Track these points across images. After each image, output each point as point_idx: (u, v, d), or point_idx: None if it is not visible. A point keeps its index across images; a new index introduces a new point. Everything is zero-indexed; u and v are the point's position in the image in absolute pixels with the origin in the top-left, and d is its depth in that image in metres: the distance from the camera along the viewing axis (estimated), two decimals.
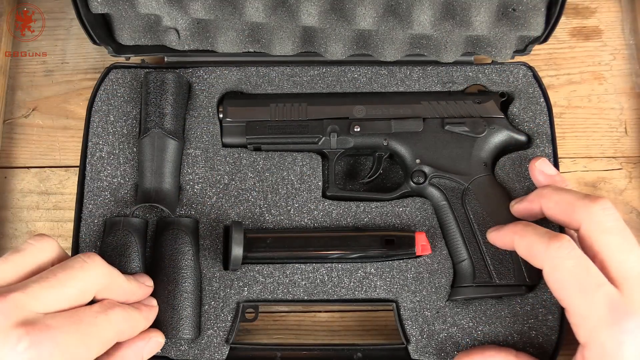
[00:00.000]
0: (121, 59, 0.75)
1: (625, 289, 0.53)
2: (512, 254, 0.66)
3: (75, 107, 0.78)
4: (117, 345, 0.57)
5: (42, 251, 0.54)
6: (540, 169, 0.66)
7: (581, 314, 0.54)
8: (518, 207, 0.65)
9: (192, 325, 0.65)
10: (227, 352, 0.66)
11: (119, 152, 0.72)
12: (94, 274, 0.54)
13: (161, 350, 0.65)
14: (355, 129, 0.71)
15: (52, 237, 0.56)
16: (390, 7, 0.69)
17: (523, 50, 0.74)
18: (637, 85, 0.79)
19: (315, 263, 0.68)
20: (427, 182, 0.70)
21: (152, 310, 0.62)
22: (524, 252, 0.60)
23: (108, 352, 0.56)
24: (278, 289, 0.68)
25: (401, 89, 0.74)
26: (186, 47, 0.74)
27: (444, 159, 0.70)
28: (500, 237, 0.63)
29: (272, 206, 0.70)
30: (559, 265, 0.55)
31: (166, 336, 0.64)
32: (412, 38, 0.73)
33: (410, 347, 0.67)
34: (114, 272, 0.57)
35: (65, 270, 0.52)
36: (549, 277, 0.56)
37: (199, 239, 0.69)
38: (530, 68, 0.75)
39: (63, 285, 0.51)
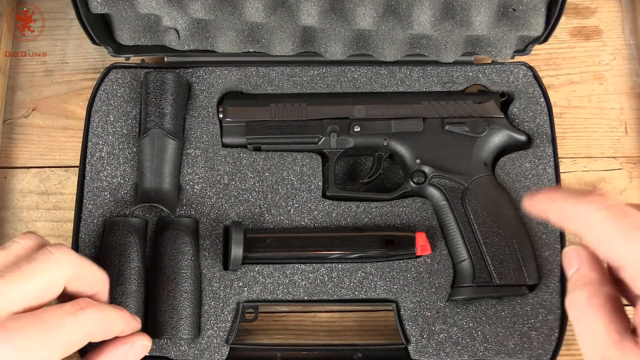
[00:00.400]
0: (121, 59, 0.75)
1: None
2: (512, 254, 0.66)
3: (75, 107, 0.78)
4: (98, 350, 0.55)
5: (26, 249, 0.52)
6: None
7: (634, 263, 0.44)
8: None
9: (192, 325, 0.65)
10: (227, 353, 0.66)
11: (118, 152, 0.72)
12: (61, 264, 0.52)
13: (161, 350, 0.65)
14: (355, 129, 0.71)
15: (39, 235, 0.54)
16: (390, 7, 0.69)
17: (523, 50, 0.74)
18: (637, 85, 0.79)
19: (315, 263, 0.68)
20: (427, 182, 0.70)
21: (133, 318, 0.58)
22: (557, 220, 0.50)
23: (88, 358, 0.55)
24: (278, 289, 0.68)
25: (401, 89, 0.74)
26: (186, 47, 0.74)
27: (444, 159, 0.70)
28: (534, 206, 0.52)
29: (272, 206, 0.70)
30: (593, 221, 0.45)
31: (166, 336, 0.64)
32: (412, 38, 0.73)
33: (410, 347, 0.67)
34: (84, 261, 0.55)
35: (30, 263, 0.50)
36: (587, 238, 0.46)
37: (199, 239, 0.69)
38: (530, 68, 0.75)
39: (27, 279, 0.49)
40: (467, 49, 0.74)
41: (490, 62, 0.75)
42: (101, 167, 0.71)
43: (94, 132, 0.72)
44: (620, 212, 0.44)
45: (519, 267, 0.66)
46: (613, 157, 0.77)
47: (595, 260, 0.48)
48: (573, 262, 0.48)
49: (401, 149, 0.71)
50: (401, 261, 0.68)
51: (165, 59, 0.76)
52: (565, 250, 0.49)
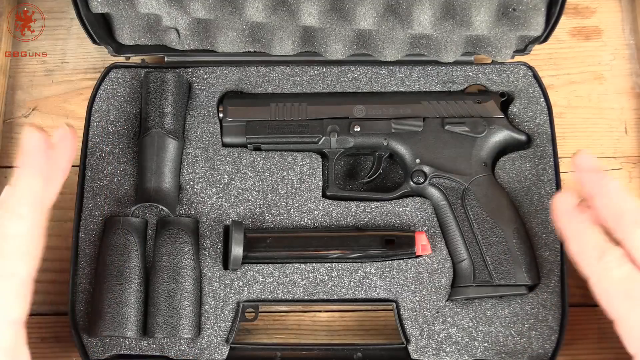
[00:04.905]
0: (121, 59, 0.75)
1: None
2: (512, 255, 0.66)
3: (75, 107, 0.78)
4: None
5: None
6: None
7: (630, 323, 0.54)
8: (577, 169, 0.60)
9: (192, 325, 0.65)
10: (227, 352, 0.66)
11: (119, 151, 0.72)
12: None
13: (161, 349, 0.65)
14: (355, 129, 0.71)
15: None
16: (390, 7, 0.69)
17: (523, 50, 0.74)
18: (637, 85, 0.79)
19: (315, 263, 0.68)
20: (427, 182, 0.70)
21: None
22: (574, 254, 0.58)
23: None
24: (278, 289, 0.68)
25: (401, 89, 0.75)
26: (186, 47, 0.74)
27: (444, 159, 0.70)
28: (561, 223, 0.59)
29: (272, 206, 0.70)
30: (607, 277, 0.54)
31: (166, 336, 0.64)
32: (412, 38, 0.73)
33: (410, 347, 0.67)
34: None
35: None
36: (596, 286, 0.56)
37: (199, 239, 0.69)
38: (530, 68, 0.75)
39: None
40: (467, 48, 0.74)
41: (490, 62, 0.75)
42: (101, 167, 0.71)
43: (94, 131, 0.72)
44: (632, 278, 0.53)
45: (518, 267, 0.66)
46: (613, 157, 0.77)
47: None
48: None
49: (401, 149, 0.71)
50: (401, 261, 0.68)
51: (166, 59, 0.76)
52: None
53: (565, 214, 0.59)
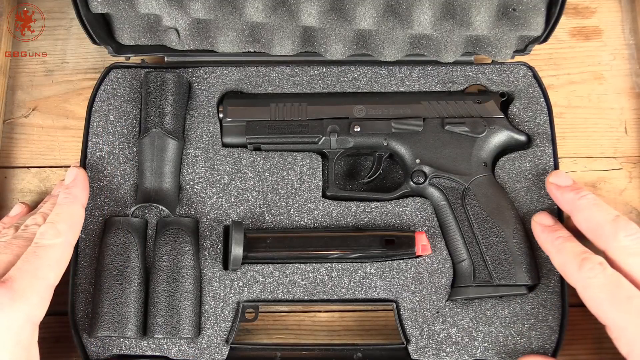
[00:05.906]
0: (121, 59, 0.75)
1: None
2: (512, 255, 0.66)
3: (75, 107, 0.78)
4: None
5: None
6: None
7: (619, 326, 0.56)
8: (551, 190, 0.66)
9: (192, 325, 0.65)
10: (227, 352, 0.66)
11: (119, 152, 0.72)
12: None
13: (161, 350, 0.65)
14: (355, 129, 0.71)
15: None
16: (390, 7, 0.69)
17: (523, 50, 0.74)
18: (637, 85, 0.79)
19: (315, 263, 0.68)
20: (427, 182, 0.70)
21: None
22: (558, 267, 0.63)
23: None
24: (278, 289, 0.68)
25: (401, 89, 0.75)
26: (186, 47, 0.74)
27: (444, 159, 0.70)
28: (541, 241, 0.65)
29: (272, 206, 0.70)
30: (591, 284, 0.57)
31: (166, 336, 0.64)
32: (412, 38, 0.73)
33: (410, 347, 0.67)
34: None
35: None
36: (583, 295, 0.59)
37: (199, 239, 0.69)
38: (530, 68, 0.75)
39: None
40: (467, 49, 0.74)
41: (490, 62, 0.75)
42: (101, 167, 0.71)
43: (94, 131, 0.72)
44: (614, 282, 0.56)
45: (518, 267, 0.66)
46: (613, 157, 0.77)
47: None
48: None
49: (401, 149, 0.71)
50: (401, 261, 0.68)
51: (166, 59, 0.76)
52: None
53: (544, 232, 0.64)
